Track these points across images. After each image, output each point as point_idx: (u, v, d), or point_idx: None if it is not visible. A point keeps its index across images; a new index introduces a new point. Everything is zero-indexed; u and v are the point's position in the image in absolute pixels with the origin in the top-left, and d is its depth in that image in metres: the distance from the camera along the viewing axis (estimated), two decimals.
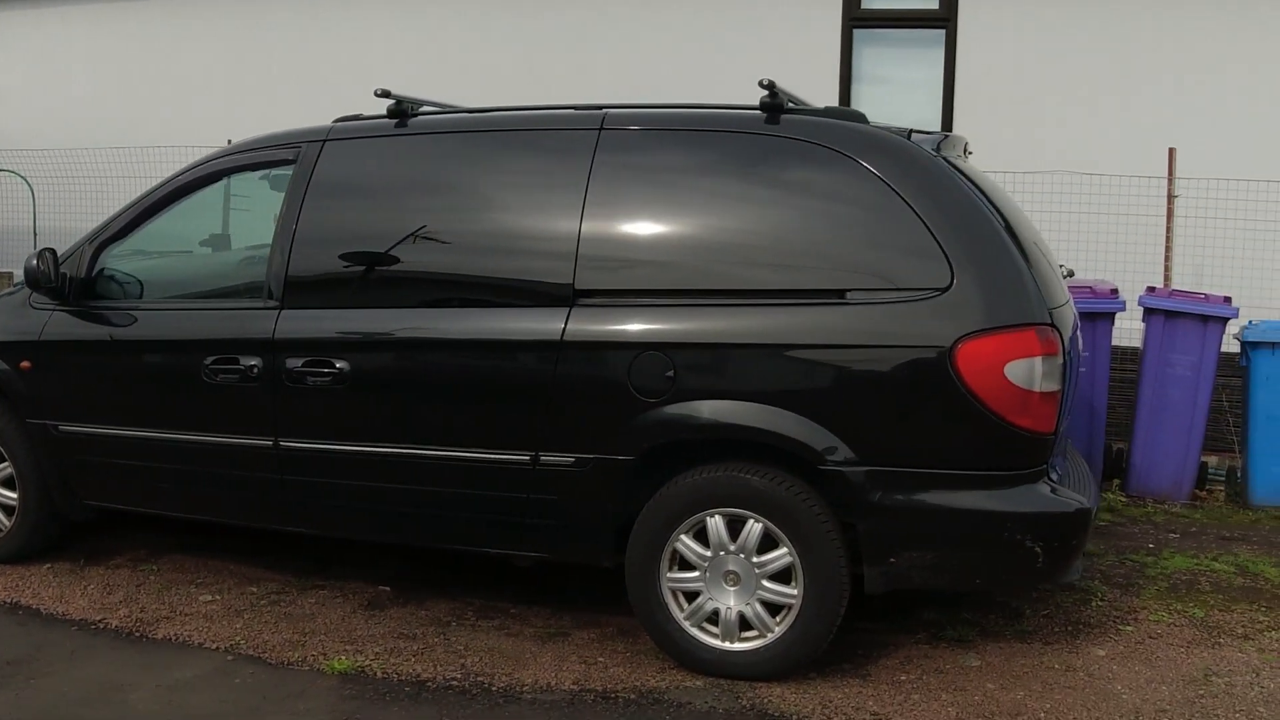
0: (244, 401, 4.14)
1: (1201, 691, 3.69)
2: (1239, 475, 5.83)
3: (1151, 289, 5.76)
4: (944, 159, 3.79)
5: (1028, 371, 3.45)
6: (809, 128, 3.76)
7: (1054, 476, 3.64)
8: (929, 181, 3.62)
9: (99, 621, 4.23)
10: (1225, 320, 5.60)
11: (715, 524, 3.69)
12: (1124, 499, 5.80)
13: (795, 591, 3.65)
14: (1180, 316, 5.63)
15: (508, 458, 3.85)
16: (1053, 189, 6.42)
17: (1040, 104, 7.01)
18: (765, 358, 3.63)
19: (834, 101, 7.27)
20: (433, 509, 4.02)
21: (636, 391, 3.68)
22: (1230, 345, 5.78)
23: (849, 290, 3.59)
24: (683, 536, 3.73)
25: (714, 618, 3.75)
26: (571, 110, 4.06)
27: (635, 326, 3.72)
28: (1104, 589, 4.56)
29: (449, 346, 3.95)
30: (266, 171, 4.51)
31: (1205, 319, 5.59)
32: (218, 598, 4.45)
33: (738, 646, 3.74)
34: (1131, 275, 6.22)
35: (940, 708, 3.58)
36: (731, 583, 3.72)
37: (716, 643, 3.75)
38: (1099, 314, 5.63)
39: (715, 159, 3.83)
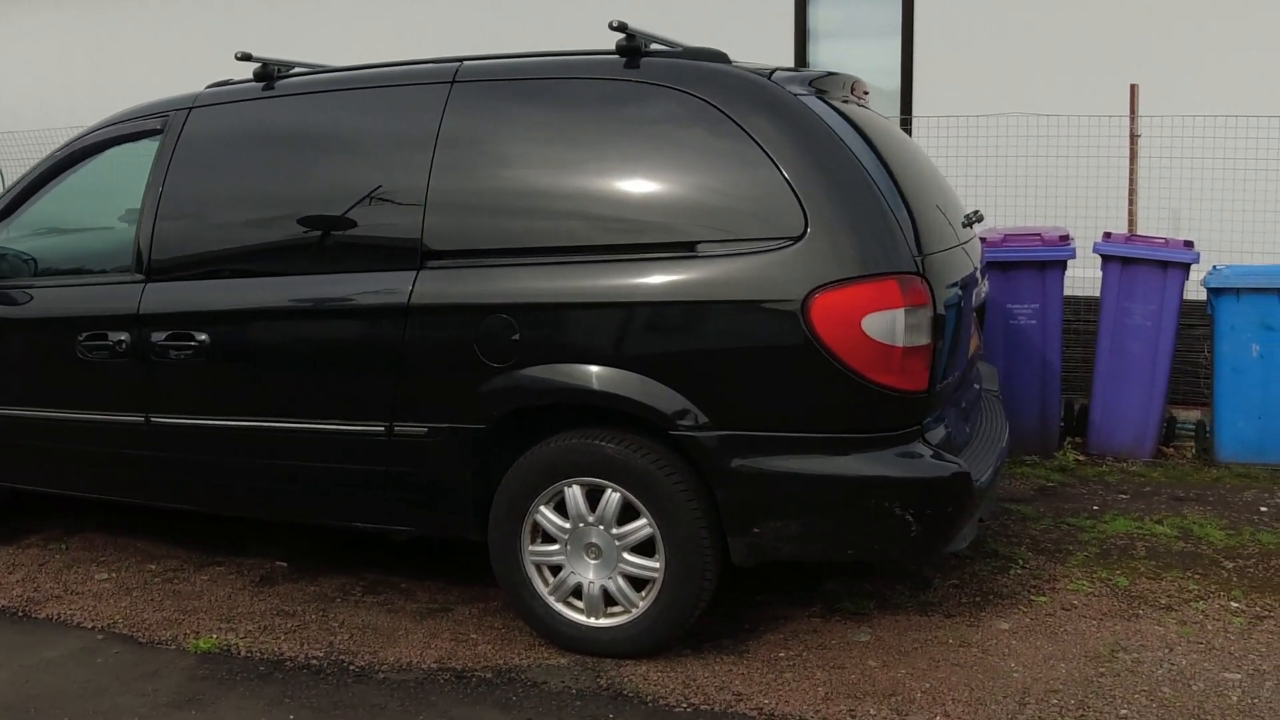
0: (116, 378, 3.97)
1: (1103, 669, 3.33)
2: (1207, 431, 5.36)
3: (1108, 234, 5.30)
4: (815, 99, 3.44)
5: (888, 325, 3.10)
6: (664, 71, 3.43)
7: (933, 438, 3.28)
8: (785, 123, 3.27)
9: None
10: (1187, 266, 5.12)
11: (574, 494, 3.42)
12: (1081, 458, 5.37)
13: (658, 564, 3.36)
14: (1138, 263, 5.17)
15: (363, 429, 3.61)
16: (1013, 132, 5.96)
17: (1001, 45, 6.50)
18: (611, 318, 3.33)
19: (789, 55, 6.86)
20: (297, 483, 3.81)
21: (484, 357, 3.41)
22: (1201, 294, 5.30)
23: (700, 243, 3.26)
24: (542, 508, 3.47)
25: (578, 592, 3.49)
26: (429, 64, 3.78)
27: (481, 288, 3.45)
28: (1028, 555, 4.19)
29: (300, 315, 3.72)
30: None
31: (1165, 265, 5.12)
32: (114, 575, 4.31)
33: (603, 623, 3.47)
34: (1096, 221, 5.74)
35: (810, 687, 3.28)
36: (593, 555, 3.44)
37: (582, 619, 3.49)
38: (1048, 262, 5.19)
39: (569, 109, 3.52)
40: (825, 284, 3.12)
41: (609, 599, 3.45)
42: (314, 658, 3.57)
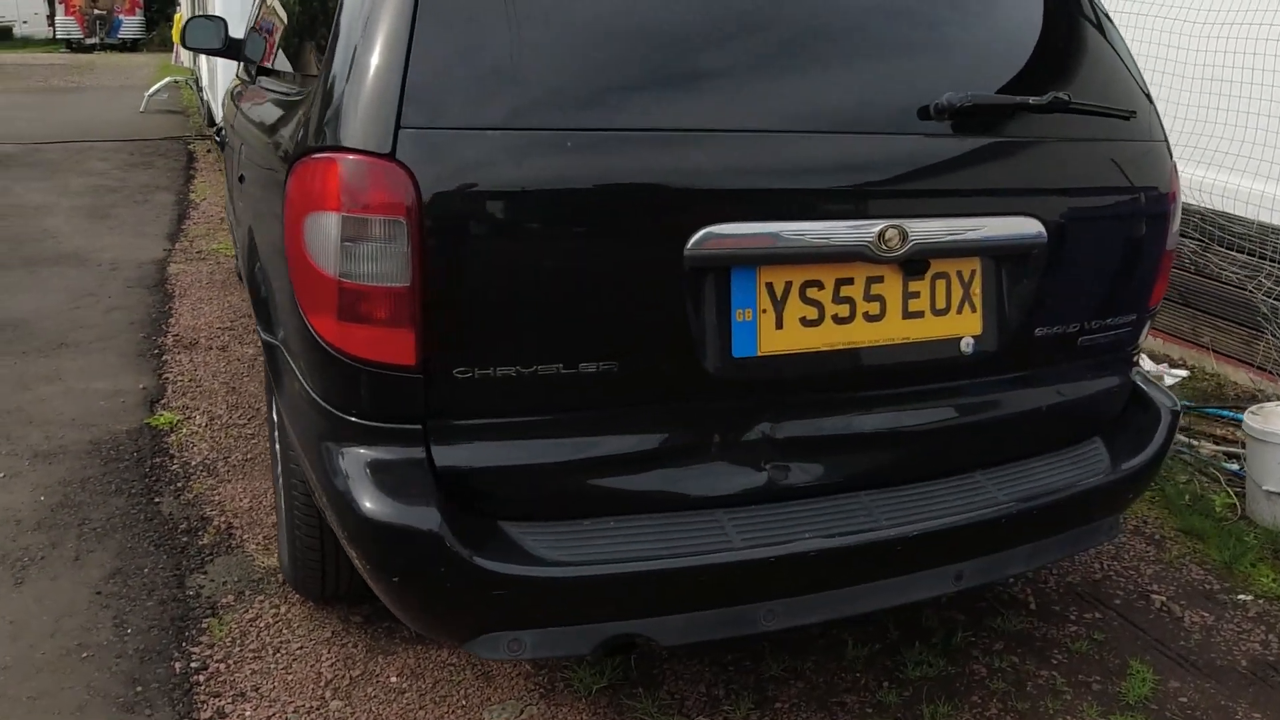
0: None
1: None
2: None
3: None
4: None
5: (322, 237, 1.72)
6: None
7: (446, 456, 1.79)
8: None
9: None
10: None
11: None
12: None
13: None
14: None
15: None
16: None
17: None
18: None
19: None
20: None
21: None
22: None
23: (300, 75, 2.16)
24: None
25: None
26: None
27: None
28: (1093, 646, 2.11)
29: None
30: None
31: None
32: None
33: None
34: None
35: None
36: None
37: None
38: None
39: None
40: (301, 154, 1.81)
41: None
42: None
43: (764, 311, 1.89)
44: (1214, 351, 4.51)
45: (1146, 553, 3.01)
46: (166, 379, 4.17)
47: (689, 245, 1.78)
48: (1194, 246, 4.42)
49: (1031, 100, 2.03)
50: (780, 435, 1.96)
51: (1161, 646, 2.54)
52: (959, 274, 2.05)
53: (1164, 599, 2.75)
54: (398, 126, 1.66)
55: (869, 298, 1.97)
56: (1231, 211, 4.20)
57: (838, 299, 1.94)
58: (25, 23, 27.55)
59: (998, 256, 2.08)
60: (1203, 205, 4.31)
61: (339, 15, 1.87)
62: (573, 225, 1.74)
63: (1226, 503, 3.24)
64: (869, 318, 1.98)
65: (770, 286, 1.89)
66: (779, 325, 1.90)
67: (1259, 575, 2.85)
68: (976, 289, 2.08)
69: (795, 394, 1.97)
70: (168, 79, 13.55)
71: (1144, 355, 4.65)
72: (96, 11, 25.96)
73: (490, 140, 1.68)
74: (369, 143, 1.66)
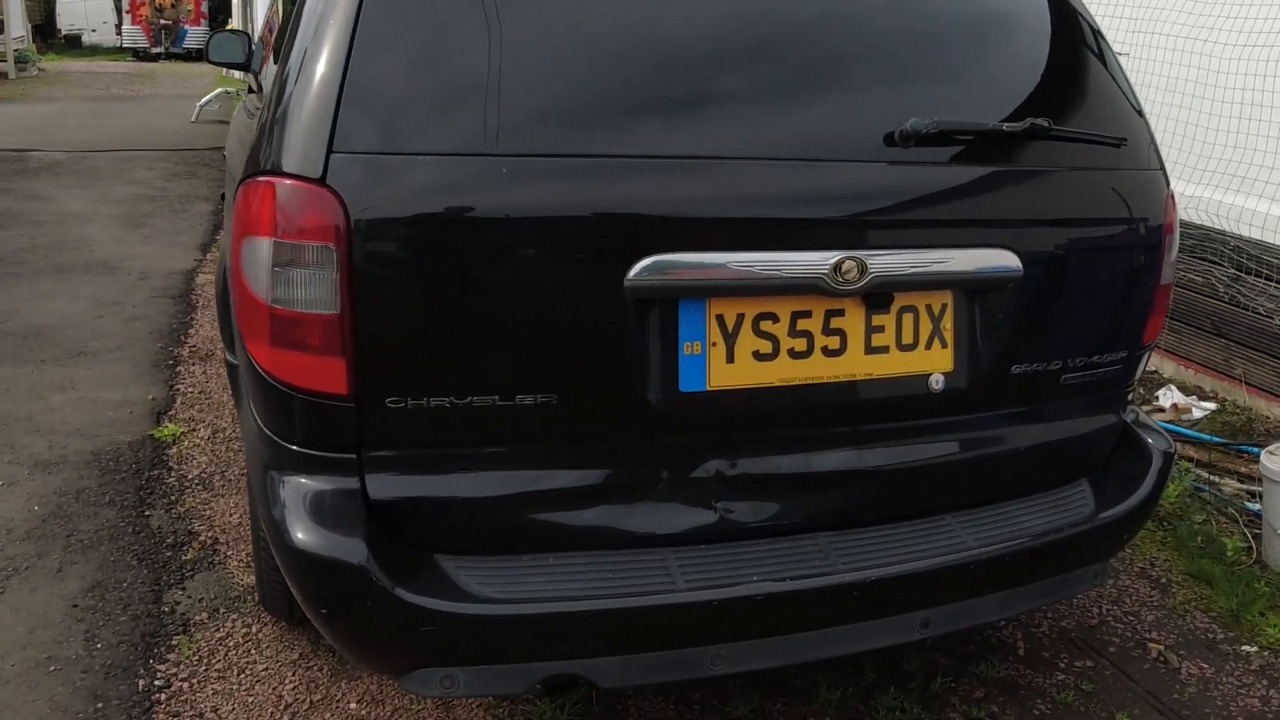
0: None
1: None
2: None
3: None
4: None
5: (256, 261, 1.70)
6: None
7: (380, 488, 1.76)
8: None
9: None
10: None
11: None
12: None
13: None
14: None
15: None
16: None
17: None
18: None
19: None
20: None
21: None
22: None
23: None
24: None
25: None
26: None
27: None
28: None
29: None
30: None
31: None
32: None
33: None
34: None
35: None
36: None
37: None
38: None
39: None
40: (248, 175, 1.80)
41: None
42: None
43: (714, 344, 1.83)
44: (1246, 384, 4.33)
45: (1150, 597, 2.89)
46: (177, 390, 4.21)
47: (630, 275, 1.73)
48: (1224, 275, 4.26)
49: (1005, 126, 1.95)
50: (732, 473, 1.90)
51: (1153, 699, 2.43)
52: (928, 308, 1.97)
53: (1162, 648, 2.63)
54: (329, 151, 1.63)
55: (828, 331, 1.90)
56: (1260, 239, 4.04)
57: (794, 332, 1.88)
58: (94, 31, 28.35)
59: (970, 290, 2.00)
60: (1234, 232, 4.15)
61: (292, 35, 1.86)
62: (507, 254, 1.69)
63: (1240, 546, 3.10)
64: (828, 352, 1.91)
65: (721, 319, 1.83)
66: (730, 359, 1.84)
67: (1266, 625, 2.71)
68: (948, 324, 2.00)
69: (748, 430, 1.90)
70: (220, 89, 13.81)
71: (1173, 387, 4.49)
72: (162, 22, 26.67)
73: (424, 166, 1.65)
74: (303, 167, 1.64)
